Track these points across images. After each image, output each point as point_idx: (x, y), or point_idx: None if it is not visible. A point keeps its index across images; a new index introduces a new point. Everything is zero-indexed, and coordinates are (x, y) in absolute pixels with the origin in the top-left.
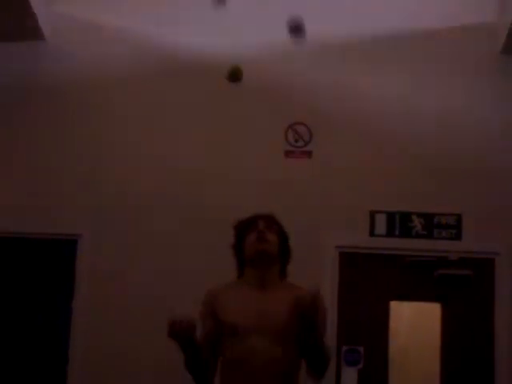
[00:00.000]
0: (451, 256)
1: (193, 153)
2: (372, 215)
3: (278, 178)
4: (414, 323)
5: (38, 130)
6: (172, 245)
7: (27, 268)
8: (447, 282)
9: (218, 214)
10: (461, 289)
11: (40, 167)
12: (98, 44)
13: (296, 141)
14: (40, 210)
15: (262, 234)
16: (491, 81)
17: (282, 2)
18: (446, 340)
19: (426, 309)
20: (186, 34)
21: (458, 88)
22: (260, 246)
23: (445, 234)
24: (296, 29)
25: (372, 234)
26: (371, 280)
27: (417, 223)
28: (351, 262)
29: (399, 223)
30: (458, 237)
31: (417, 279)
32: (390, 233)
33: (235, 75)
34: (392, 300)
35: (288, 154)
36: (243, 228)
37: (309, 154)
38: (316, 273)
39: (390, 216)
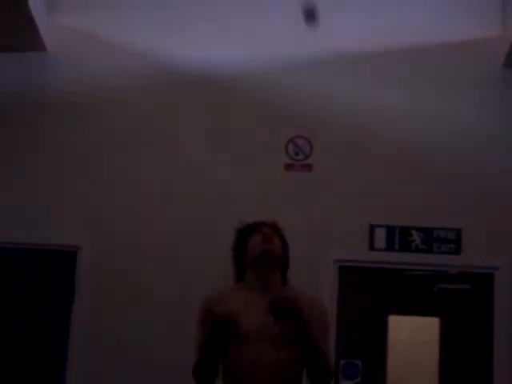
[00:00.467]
0: (450, 270)
1: (193, 166)
2: (372, 229)
3: (278, 191)
4: (413, 338)
5: (38, 142)
6: (171, 258)
7: (27, 278)
8: (446, 297)
9: (218, 226)
10: (460, 303)
11: (40, 179)
12: (99, 56)
13: (296, 154)
14: (40, 222)
15: (268, 235)
16: (493, 94)
17: (282, 17)
18: (445, 355)
19: (425, 323)
20: (186, 47)
21: (460, 101)
22: (265, 245)
23: (444, 249)
24: (309, 14)
25: (371, 248)
26: (370, 294)
27: (416, 237)
28: (350, 276)
29: (399, 237)
30: (457, 251)
31: (416, 293)
32: (389, 247)
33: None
34: (391, 314)
35: (288, 167)
36: (246, 231)
37: (309, 167)
38: (315, 286)
39: (390, 230)
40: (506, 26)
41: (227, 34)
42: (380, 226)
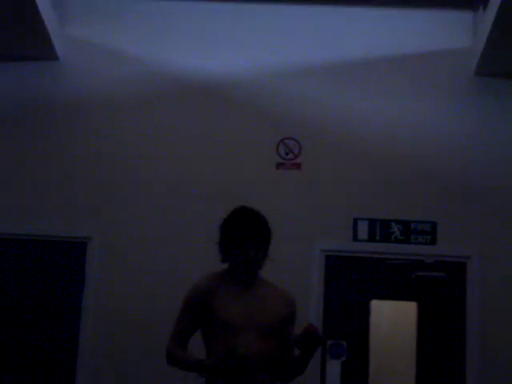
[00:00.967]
0: (426, 259)
1: (194, 165)
2: (355, 222)
3: (270, 187)
4: (393, 320)
5: (51, 143)
6: (177, 248)
7: (39, 268)
8: (423, 283)
9: (218, 218)
10: (435, 289)
11: (53, 177)
12: (109, 65)
13: (286, 154)
14: (53, 214)
15: (251, 261)
16: (466, 99)
17: (275, 30)
18: (422, 336)
19: (404, 307)
20: (187, 57)
21: (436, 107)
22: (248, 268)
23: (421, 240)
24: None
25: (355, 238)
26: (354, 280)
27: (395, 229)
28: (336, 264)
29: (380, 229)
30: (432, 242)
31: (395, 280)
32: (371, 238)
33: None
34: (373, 299)
35: (279, 165)
36: (231, 238)
37: (298, 165)
38: (304, 274)
39: (372, 223)
40: (477, 39)
41: (225, 46)
42: (362, 219)
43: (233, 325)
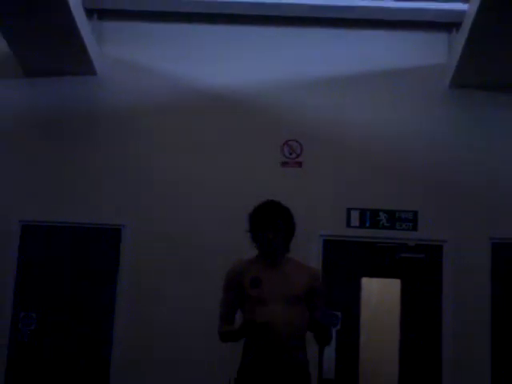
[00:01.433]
0: (409, 243)
1: (214, 165)
2: (348, 211)
3: (276, 183)
4: (380, 295)
5: (90, 147)
6: (204, 232)
7: (76, 254)
8: (406, 263)
9: (232, 212)
10: (416, 268)
11: (96, 176)
12: (139, 79)
13: (290, 154)
14: (90, 204)
15: (270, 243)
16: (441, 109)
17: (284, 50)
18: (405, 308)
19: (390, 284)
20: (212, 74)
21: (415, 114)
22: (268, 250)
23: (404, 226)
24: None
25: (348, 225)
26: (347, 261)
27: (383, 217)
28: (332, 247)
29: (369, 217)
30: (414, 228)
31: (382, 261)
32: (362, 225)
33: None
34: (363, 277)
35: (284, 164)
36: (255, 225)
37: (300, 164)
38: (305, 255)
39: (362, 212)
40: (451, 54)
41: (236, 62)
42: (355, 209)
43: (261, 299)
